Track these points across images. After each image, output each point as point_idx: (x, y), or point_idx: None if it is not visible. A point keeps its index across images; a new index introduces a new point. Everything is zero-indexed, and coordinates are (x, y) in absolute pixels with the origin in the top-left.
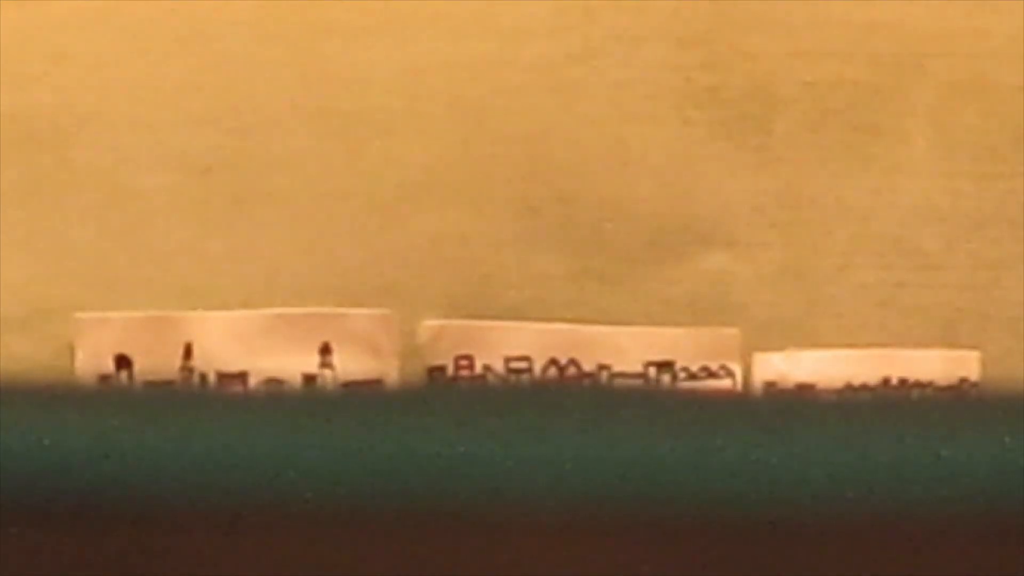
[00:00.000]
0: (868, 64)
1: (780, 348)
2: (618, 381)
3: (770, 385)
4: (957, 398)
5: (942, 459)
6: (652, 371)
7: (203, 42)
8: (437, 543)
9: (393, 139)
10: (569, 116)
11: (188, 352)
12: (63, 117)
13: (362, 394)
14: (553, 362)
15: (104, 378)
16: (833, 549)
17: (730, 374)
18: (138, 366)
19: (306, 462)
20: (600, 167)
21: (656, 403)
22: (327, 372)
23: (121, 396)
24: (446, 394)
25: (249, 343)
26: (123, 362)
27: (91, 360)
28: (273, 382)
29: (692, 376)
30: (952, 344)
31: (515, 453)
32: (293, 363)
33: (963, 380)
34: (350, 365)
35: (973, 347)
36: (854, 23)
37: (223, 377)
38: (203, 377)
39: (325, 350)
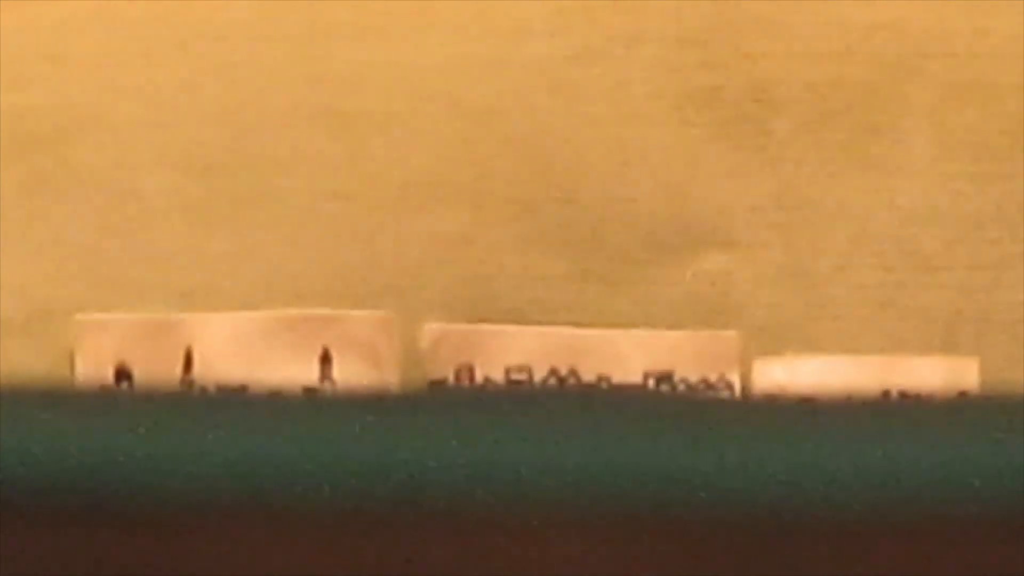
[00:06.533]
0: (868, 64)
1: (779, 350)
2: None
3: (770, 398)
4: (957, 404)
5: (943, 464)
6: (651, 383)
7: (203, 42)
8: (438, 546)
9: (393, 139)
10: (569, 116)
11: (188, 360)
12: (63, 117)
13: (363, 400)
14: (553, 372)
15: (104, 387)
16: (833, 555)
17: (729, 386)
18: (138, 375)
19: (306, 465)
20: (600, 167)
21: (656, 409)
22: (327, 385)
23: (121, 401)
24: (447, 400)
25: (249, 348)
26: (123, 372)
27: (90, 367)
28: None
29: (691, 388)
30: (951, 347)
31: (516, 458)
32: (293, 372)
33: (962, 393)
34: (350, 375)
35: (973, 350)
36: (854, 23)
37: (223, 390)
38: (203, 390)
39: (325, 358)
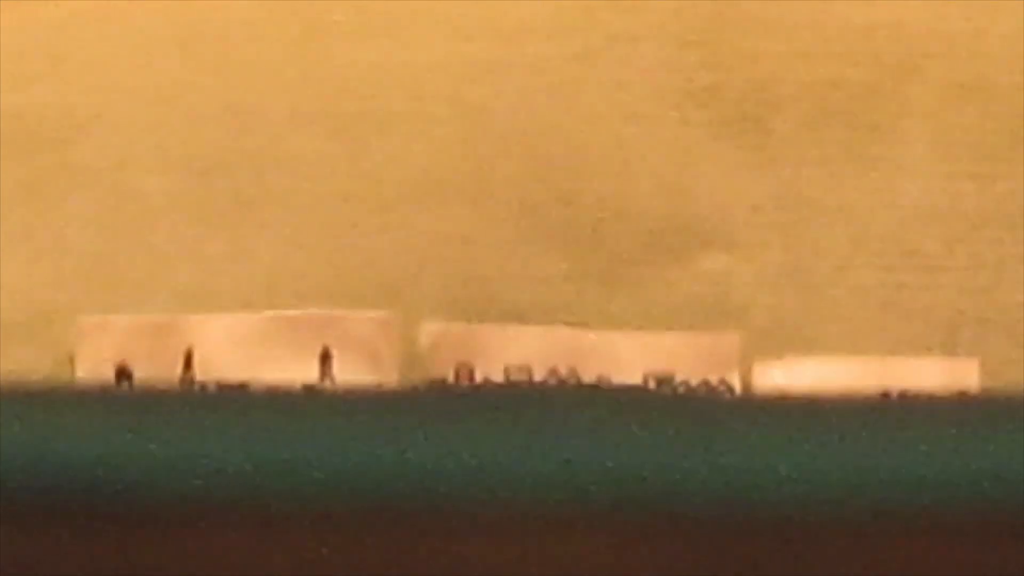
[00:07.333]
0: (868, 64)
1: (779, 351)
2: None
3: (771, 399)
4: (958, 405)
5: (943, 464)
6: (652, 384)
7: (203, 42)
8: (438, 545)
9: (393, 139)
10: (569, 116)
11: (188, 360)
12: (63, 117)
13: (363, 400)
14: (553, 373)
15: (104, 387)
16: (833, 555)
17: (729, 388)
18: (138, 375)
19: (306, 465)
20: (600, 167)
21: (657, 409)
22: (327, 384)
23: (121, 401)
24: (447, 400)
25: (249, 349)
26: (123, 372)
27: (91, 368)
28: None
29: (692, 390)
30: (952, 347)
31: (516, 458)
32: (293, 372)
33: (963, 393)
34: (350, 375)
35: (973, 350)
36: (854, 23)
37: (223, 390)
38: (203, 390)
39: (325, 358)
